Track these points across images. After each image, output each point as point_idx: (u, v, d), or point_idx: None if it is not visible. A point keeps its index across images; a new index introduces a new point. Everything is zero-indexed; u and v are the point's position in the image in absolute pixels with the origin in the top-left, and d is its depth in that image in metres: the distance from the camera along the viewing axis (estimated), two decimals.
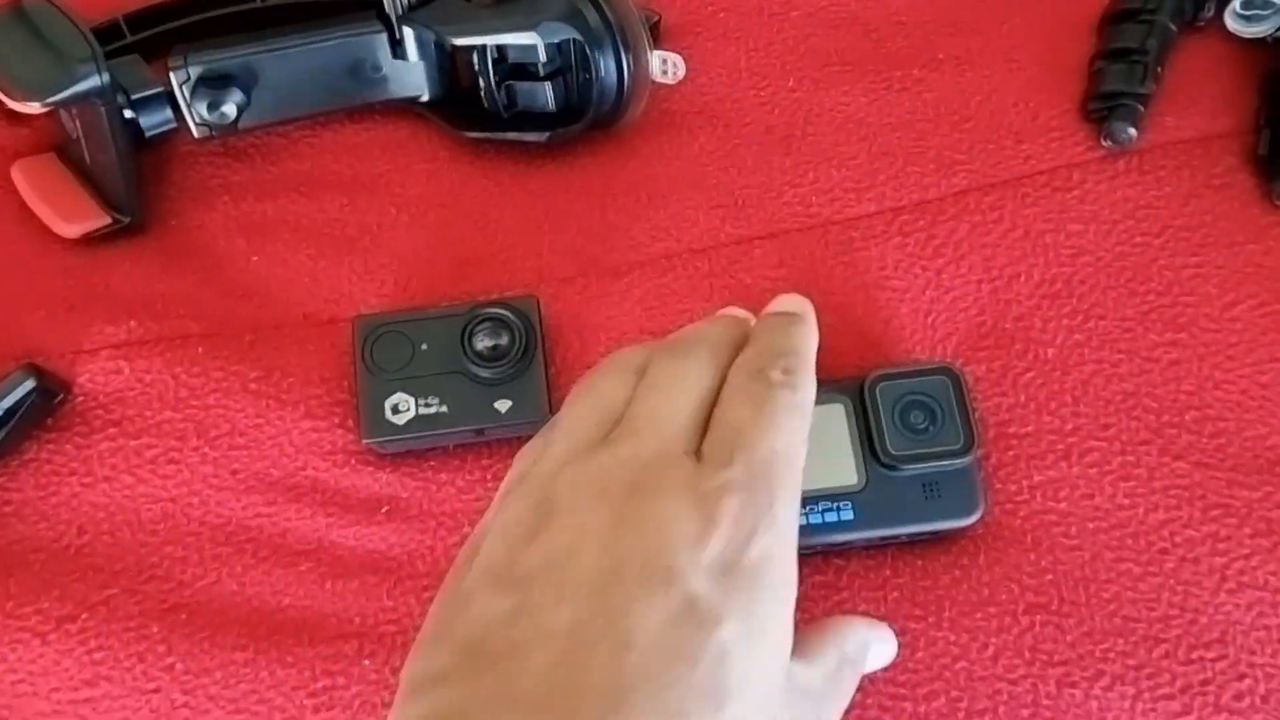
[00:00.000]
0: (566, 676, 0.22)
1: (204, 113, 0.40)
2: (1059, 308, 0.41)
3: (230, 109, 0.40)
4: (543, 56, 0.40)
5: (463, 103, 0.43)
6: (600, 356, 0.40)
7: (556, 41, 0.40)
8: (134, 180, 0.40)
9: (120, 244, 0.41)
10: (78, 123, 0.40)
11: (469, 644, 0.24)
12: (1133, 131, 0.42)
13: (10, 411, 0.35)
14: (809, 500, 0.35)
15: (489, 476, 0.38)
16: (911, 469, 0.35)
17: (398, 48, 0.41)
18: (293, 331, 0.40)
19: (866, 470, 0.36)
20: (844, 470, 0.36)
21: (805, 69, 0.45)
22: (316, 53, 0.40)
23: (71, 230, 0.40)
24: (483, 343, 0.37)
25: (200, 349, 0.39)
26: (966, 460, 0.35)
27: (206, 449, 0.38)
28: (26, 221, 0.41)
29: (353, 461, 0.38)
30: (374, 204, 0.43)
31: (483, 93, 0.41)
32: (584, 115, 0.41)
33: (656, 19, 0.46)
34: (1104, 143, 0.42)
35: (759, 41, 0.46)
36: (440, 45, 0.41)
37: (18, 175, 0.41)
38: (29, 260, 0.41)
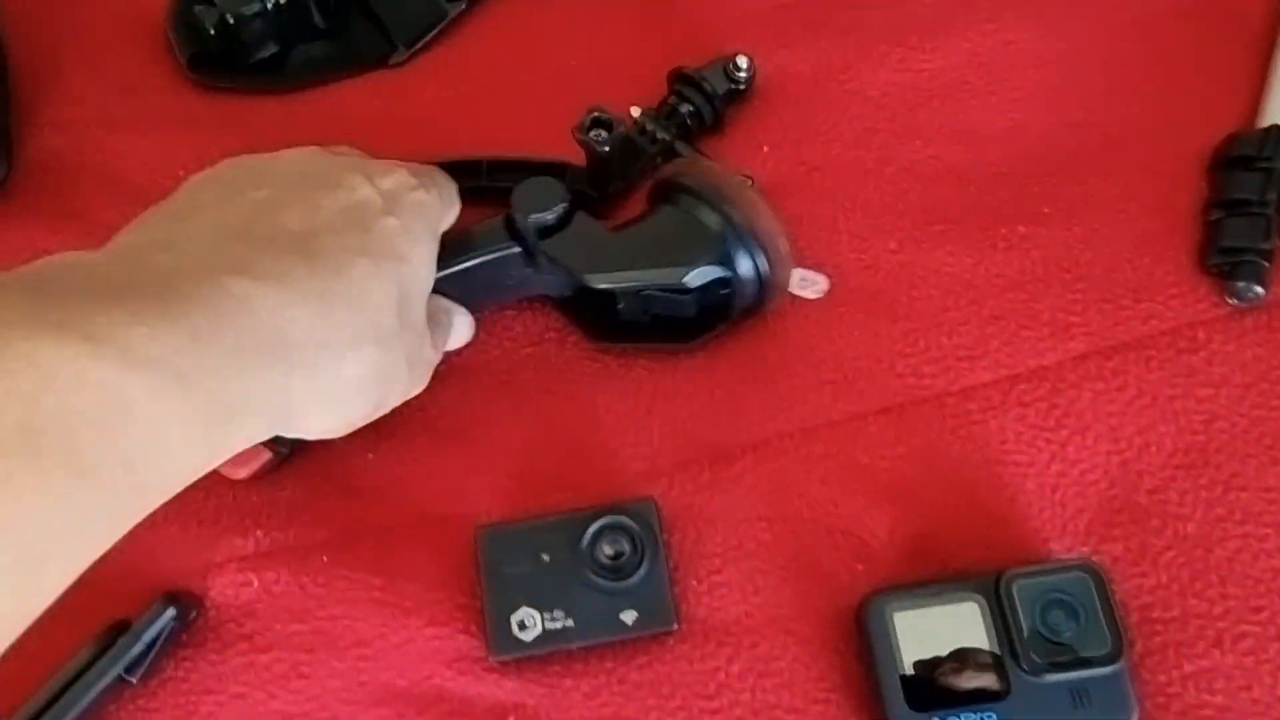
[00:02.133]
0: (267, 217, 0.31)
1: None
2: (1195, 479, 0.39)
3: None
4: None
5: (596, 305, 0.42)
6: (717, 551, 0.39)
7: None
8: None
9: None
10: None
11: (174, 212, 0.32)
12: (1260, 290, 0.40)
13: (151, 642, 0.36)
14: (953, 705, 0.34)
15: (614, 680, 0.38)
16: (1058, 676, 0.34)
17: (533, 262, 0.41)
18: (411, 532, 0.41)
19: (1009, 676, 0.34)
20: (985, 674, 0.35)
21: (906, 229, 0.45)
22: (456, 277, 0.40)
23: (242, 473, 0.40)
24: (604, 552, 0.36)
25: (325, 557, 0.40)
26: (1116, 667, 0.34)
27: (334, 661, 0.38)
28: None
29: (477, 669, 0.38)
30: (483, 392, 0.43)
31: (620, 305, 0.41)
32: (725, 319, 0.41)
33: (750, 182, 0.46)
34: (1229, 300, 0.41)
35: (855, 201, 0.46)
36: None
37: None
38: None
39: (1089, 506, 0.39)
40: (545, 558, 0.37)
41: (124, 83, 0.49)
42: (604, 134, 0.42)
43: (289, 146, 0.48)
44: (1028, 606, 0.35)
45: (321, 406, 0.30)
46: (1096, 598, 0.35)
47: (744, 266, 0.39)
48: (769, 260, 0.39)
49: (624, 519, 0.37)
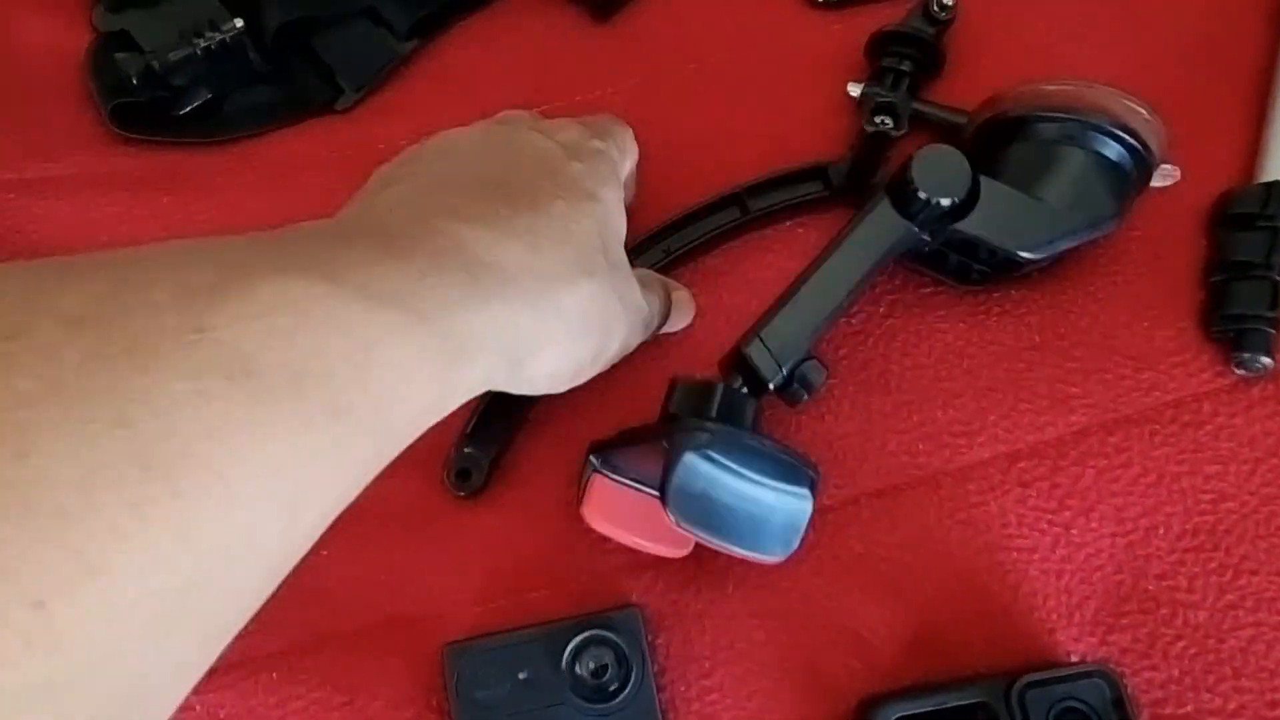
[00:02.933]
0: (464, 170, 0.34)
1: None
2: (1204, 563, 0.37)
3: None
4: None
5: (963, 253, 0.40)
6: (707, 653, 0.37)
7: None
8: None
9: None
10: None
11: (370, 190, 0.34)
12: (1267, 361, 0.38)
13: None
14: None
15: None
16: None
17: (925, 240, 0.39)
18: (374, 639, 0.37)
19: None
20: None
21: (896, 292, 0.42)
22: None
23: None
24: (587, 668, 0.34)
25: (274, 674, 0.36)
26: None
27: None
28: None
29: None
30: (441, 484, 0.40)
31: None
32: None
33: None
34: (1235, 370, 0.39)
35: None
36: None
37: None
38: None
39: (1095, 594, 0.37)
40: (521, 676, 0.34)
41: (40, 140, 0.45)
42: (889, 120, 0.42)
43: (229, 201, 0.45)
44: (1040, 714, 0.33)
45: (548, 340, 0.31)
46: (1111, 704, 0.33)
47: (1148, 174, 0.38)
48: (1159, 152, 0.38)
49: (606, 633, 0.34)
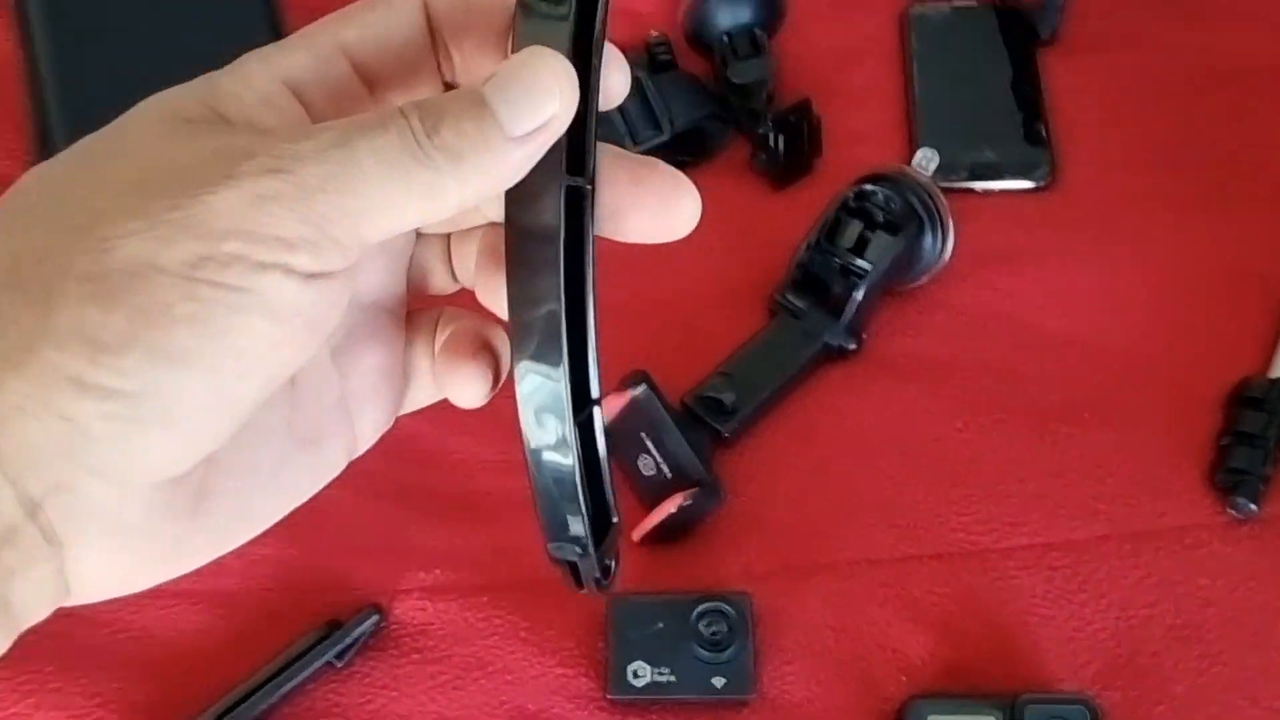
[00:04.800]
0: None
1: None
2: (1189, 650, 0.48)
3: None
4: None
5: None
6: (791, 646, 0.50)
7: None
8: None
9: (427, 504, 0.55)
10: None
11: None
12: (1254, 507, 0.50)
13: (355, 640, 0.48)
14: None
15: None
16: None
17: None
18: (556, 589, 0.52)
19: None
20: None
21: (973, 414, 0.56)
22: None
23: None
24: (707, 629, 0.47)
25: (485, 598, 0.51)
26: None
27: (483, 681, 0.49)
28: None
29: (592, 706, 0.48)
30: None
31: None
32: None
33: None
34: (1229, 510, 0.51)
35: (935, 388, 0.57)
36: None
37: None
38: (354, 513, 0.55)
39: (1096, 659, 0.48)
40: (659, 625, 0.48)
41: None
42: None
43: None
44: None
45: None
46: None
47: None
48: None
49: (725, 605, 0.48)
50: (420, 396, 0.28)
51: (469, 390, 0.27)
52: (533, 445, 0.24)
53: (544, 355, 0.24)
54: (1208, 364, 0.55)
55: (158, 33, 0.52)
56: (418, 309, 0.28)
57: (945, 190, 0.60)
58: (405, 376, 0.28)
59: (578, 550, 0.25)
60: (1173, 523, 0.51)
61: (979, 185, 0.64)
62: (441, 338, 0.27)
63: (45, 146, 0.49)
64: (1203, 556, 0.50)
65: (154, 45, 0.51)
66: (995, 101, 0.67)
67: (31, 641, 0.22)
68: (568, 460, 0.24)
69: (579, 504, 0.24)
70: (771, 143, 0.61)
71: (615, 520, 0.27)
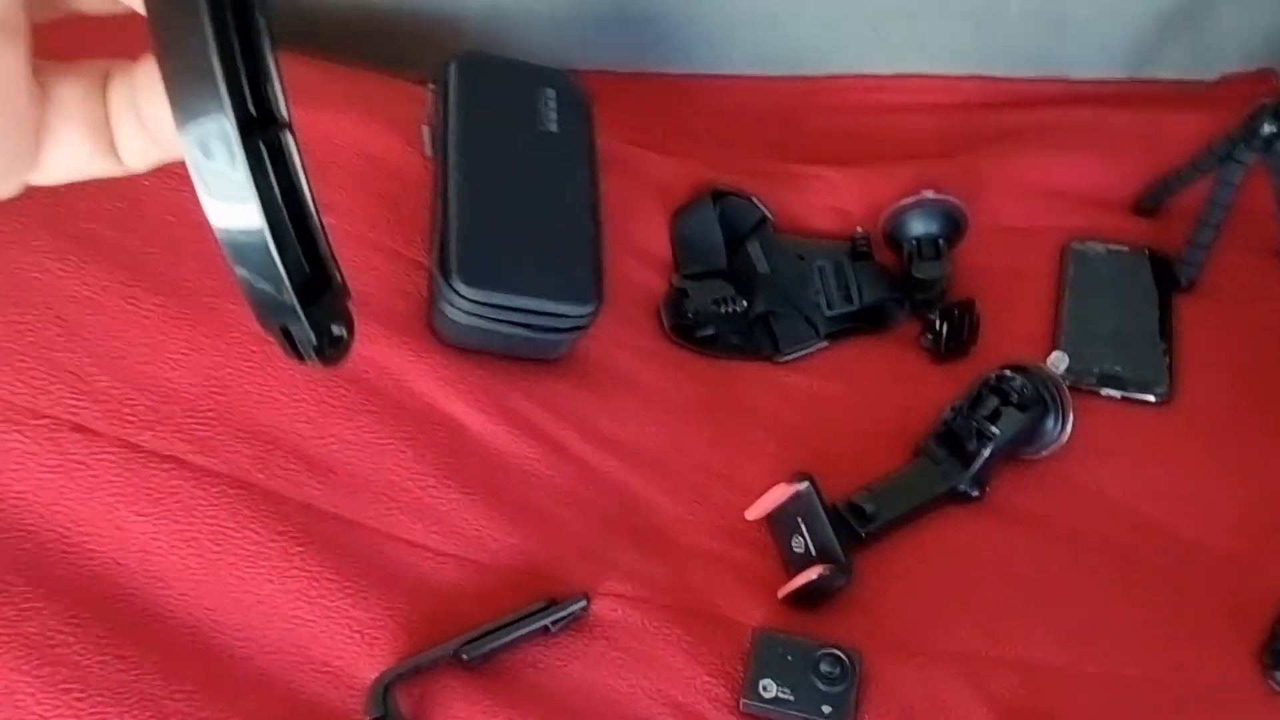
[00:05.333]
0: None
1: None
2: None
3: None
4: None
5: None
6: (885, 702, 0.63)
7: None
8: None
9: (636, 534, 0.73)
10: None
11: None
12: None
13: (567, 615, 0.66)
14: None
15: None
16: None
17: None
18: (711, 619, 0.68)
19: None
20: None
21: (1065, 564, 0.70)
22: None
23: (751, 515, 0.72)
24: (825, 668, 0.62)
25: (663, 613, 0.68)
26: None
27: (651, 673, 0.65)
28: None
29: (724, 710, 0.64)
30: None
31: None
32: None
33: None
34: (1268, 681, 0.62)
35: (1037, 539, 0.72)
36: None
37: None
38: (581, 527, 0.74)
39: None
40: (789, 658, 0.63)
41: (629, 339, 0.87)
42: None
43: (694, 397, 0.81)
44: None
45: None
46: None
47: None
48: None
49: (841, 653, 0.63)
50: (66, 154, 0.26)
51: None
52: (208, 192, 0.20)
53: (198, 79, 0.20)
54: (1269, 568, 0.67)
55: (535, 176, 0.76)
56: (88, 60, 0.27)
57: (1075, 389, 0.76)
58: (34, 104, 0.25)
59: (292, 313, 0.21)
60: (1216, 680, 0.63)
61: (1104, 390, 0.79)
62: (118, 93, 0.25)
63: (443, 252, 0.74)
64: (1235, 712, 0.61)
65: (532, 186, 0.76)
66: (1130, 327, 0.83)
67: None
68: (249, 199, 0.20)
69: (270, 258, 0.20)
70: (938, 328, 0.80)
71: (336, 279, 0.23)
